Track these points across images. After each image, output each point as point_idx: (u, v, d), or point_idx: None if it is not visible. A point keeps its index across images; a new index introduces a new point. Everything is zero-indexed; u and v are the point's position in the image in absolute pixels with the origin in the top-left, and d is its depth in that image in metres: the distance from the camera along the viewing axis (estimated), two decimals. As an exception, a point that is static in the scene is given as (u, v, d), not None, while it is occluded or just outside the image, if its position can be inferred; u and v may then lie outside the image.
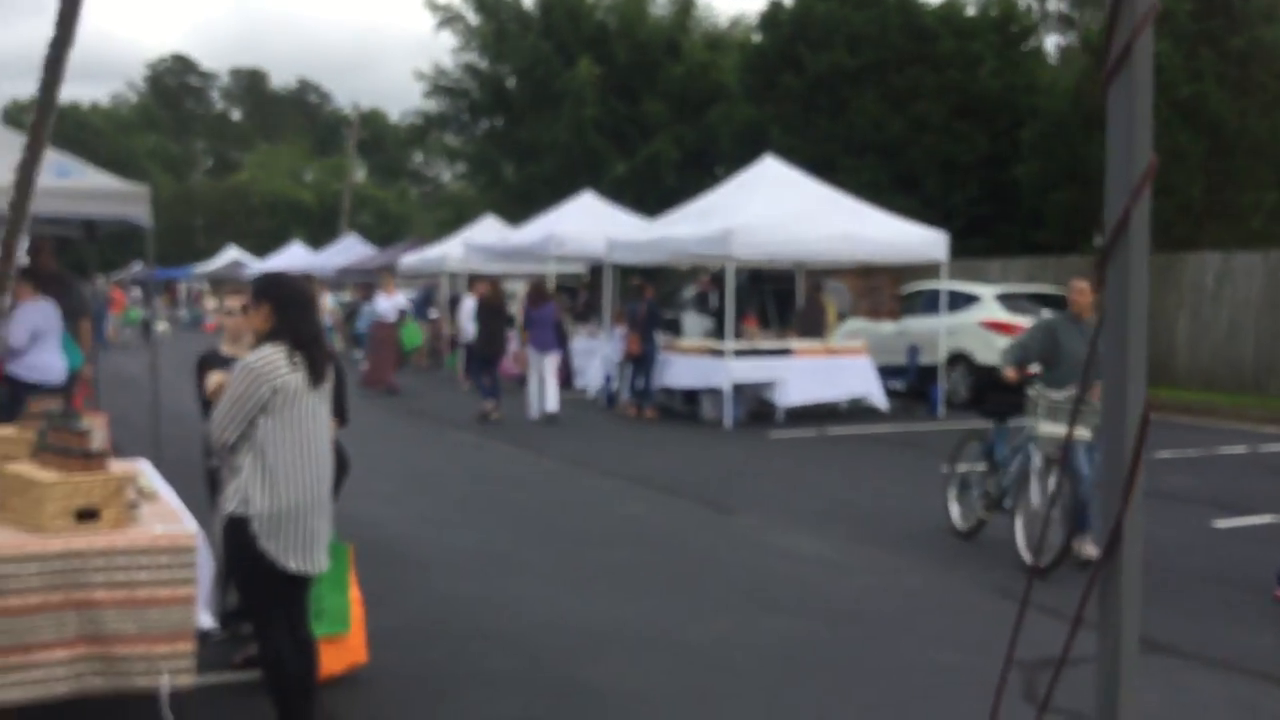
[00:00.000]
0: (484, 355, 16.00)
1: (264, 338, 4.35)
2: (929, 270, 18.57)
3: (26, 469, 4.42)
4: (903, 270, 19.66)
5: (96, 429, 8.04)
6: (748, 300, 18.18)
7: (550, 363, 15.47)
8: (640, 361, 15.81)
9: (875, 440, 13.86)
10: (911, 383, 17.21)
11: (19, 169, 0.90)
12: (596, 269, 22.15)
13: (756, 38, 30.95)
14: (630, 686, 5.35)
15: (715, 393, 15.09)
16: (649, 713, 5.04)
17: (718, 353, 15.05)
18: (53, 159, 8.96)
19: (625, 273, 20.11)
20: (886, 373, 16.83)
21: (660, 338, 15.98)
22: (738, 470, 11.58)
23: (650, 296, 16.03)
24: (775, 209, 15.41)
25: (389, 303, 20.35)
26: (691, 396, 15.93)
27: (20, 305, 9.01)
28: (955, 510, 8.51)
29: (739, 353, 14.97)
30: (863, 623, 6.44)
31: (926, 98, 25.76)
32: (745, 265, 16.48)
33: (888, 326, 18.54)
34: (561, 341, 16.21)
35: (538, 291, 15.93)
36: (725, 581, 7.27)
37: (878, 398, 15.86)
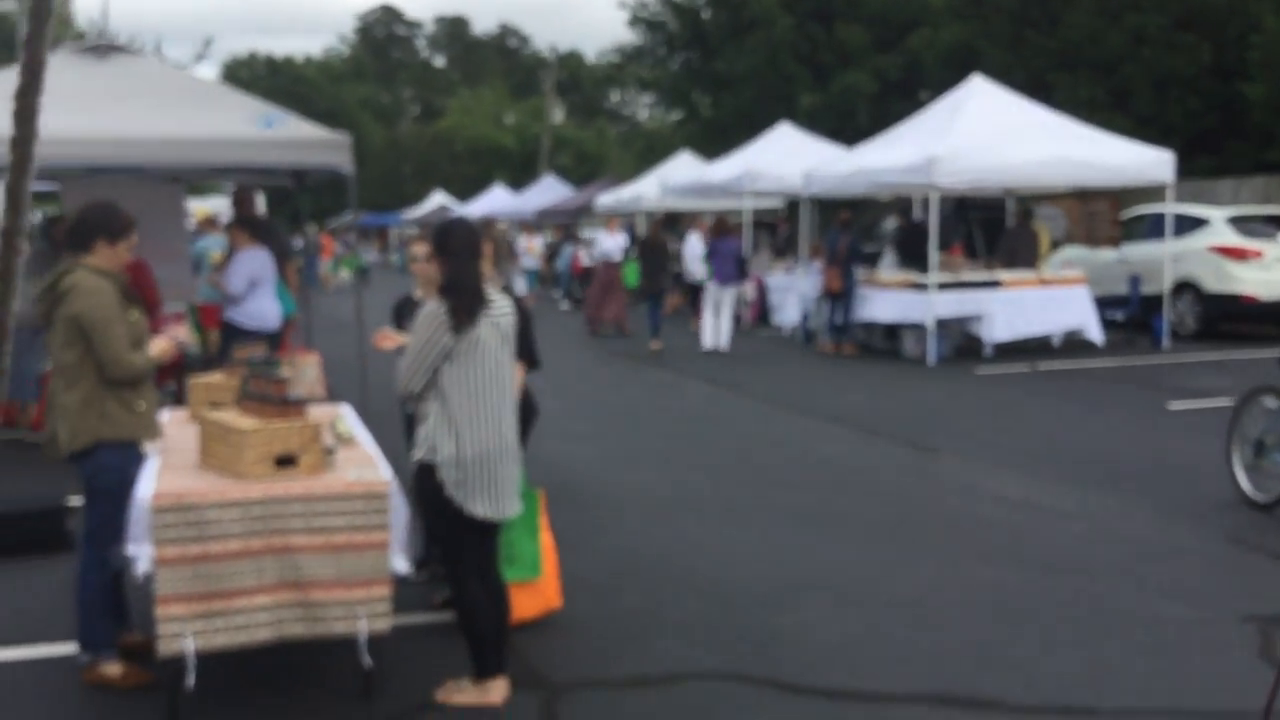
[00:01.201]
0: (648, 292, 16.61)
1: (441, 287, 4.32)
2: (1152, 193, 17.34)
3: (227, 416, 4.52)
4: (1123, 193, 18.40)
5: (308, 370, 8.29)
6: (953, 230, 17.40)
7: (729, 296, 15.89)
8: (839, 297, 15.38)
9: (1092, 376, 13.07)
10: (1133, 314, 16.15)
11: (16, 96, 0.82)
12: (794, 203, 21.68)
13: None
14: (830, 637, 5.15)
15: (918, 328, 14.54)
16: (851, 666, 4.83)
17: (920, 286, 14.47)
18: (257, 109, 9.25)
19: (824, 206, 19.58)
20: (1105, 303, 15.86)
21: (860, 272, 15.48)
22: (942, 409, 11.12)
23: (850, 229, 15.54)
24: (982, 132, 14.61)
25: (613, 241, 19.87)
26: (892, 332, 15.41)
27: (238, 253, 9.38)
28: (1246, 479, 7.26)
29: (943, 285, 14.35)
30: (1080, 572, 6.03)
31: (1144, 8, 23.94)
32: (951, 193, 15.74)
33: (1107, 254, 17.44)
34: (742, 274, 16.36)
35: (721, 224, 16.20)
36: (930, 527, 6.96)
37: (1094, 330, 14.97)
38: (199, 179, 15.63)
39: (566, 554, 5.70)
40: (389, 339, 5.40)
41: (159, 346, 4.67)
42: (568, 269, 26.26)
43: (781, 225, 23.65)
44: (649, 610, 5.55)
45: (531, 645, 5.03)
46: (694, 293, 19.24)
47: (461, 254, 4.33)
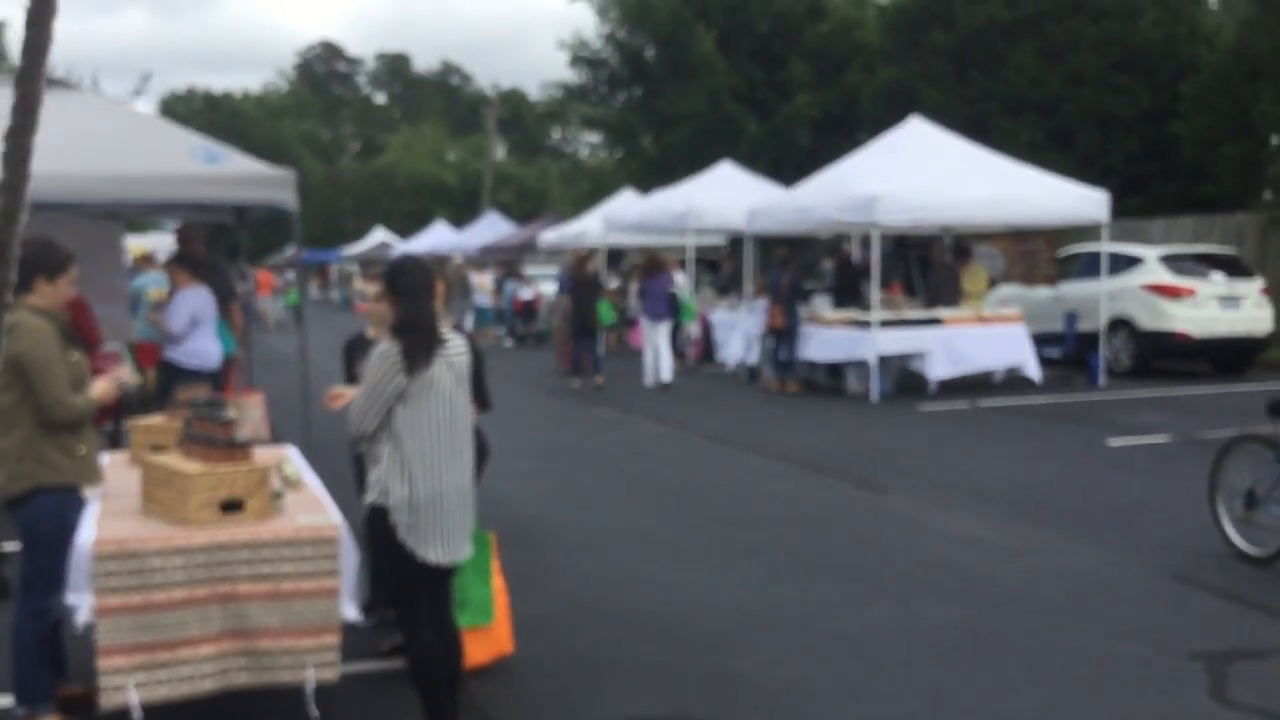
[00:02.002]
0: (577, 328, 16.51)
1: (394, 327, 4.26)
2: (1087, 232, 17.69)
3: (172, 460, 4.41)
4: (1059, 232, 18.76)
5: (252, 411, 8.14)
6: (893, 268, 17.62)
7: (663, 331, 16.36)
8: (783, 334, 15.48)
9: (1032, 413, 13.26)
10: (1070, 351, 16.42)
11: (8, 136, 0.79)
12: (736, 240, 21.82)
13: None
14: (784, 678, 5.12)
15: (861, 365, 14.66)
16: (806, 708, 4.80)
17: (863, 323, 14.61)
18: (199, 145, 9.11)
19: (765, 244, 19.75)
20: (1043, 341, 16.12)
21: (802, 310, 15.60)
22: (887, 446, 11.19)
23: (792, 267, 15.67)
24: (922, 172, 14.84)
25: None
26: (836, 369, 15.53)
27: (179, 291, 9.22)
28: (1236, 533, 6.96)
29: (885, 323, 14.50)
30: (1028, 609, 6.07)
31: (1084, 50, 24.55)
32: (891, 231, 15.93)
33: (1043, 292, 17.72)
34: (674, 312, 16.87)
35: (652, 263, 16.80)
36: (878, 565, 6.97)
37: (1033, 368, 15.20)
38: (138, 215, 15.39)
39: (517, 596, 5.62)
40: (339, 398, 5.19)
41: (101, 388, 4.55)
42: (509, 306, 26.21)
43: (724, 263, 23.79)
44: (602, 653, 5.49)
45: (484, 691, 4.94)
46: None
47: (415, 293, 4.27)
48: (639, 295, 17.03)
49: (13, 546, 6.21)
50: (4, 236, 0.78)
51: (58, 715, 4.47)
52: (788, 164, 28.52)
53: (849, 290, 16.68)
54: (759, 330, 16.16)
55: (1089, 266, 16.85)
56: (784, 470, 10.03)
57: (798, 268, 16.13)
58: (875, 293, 14.64)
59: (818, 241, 21.67)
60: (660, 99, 32.71)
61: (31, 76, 0.72)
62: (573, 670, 5.26)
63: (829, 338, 15.07)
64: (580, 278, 16.98)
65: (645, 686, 5.05)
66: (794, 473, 9.90)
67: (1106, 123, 24.47)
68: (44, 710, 4.45)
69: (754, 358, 16.62)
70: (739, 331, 17.57)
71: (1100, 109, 24.36)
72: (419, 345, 4.19)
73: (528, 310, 26.12)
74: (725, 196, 19.44)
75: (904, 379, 15.09)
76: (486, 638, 5.09)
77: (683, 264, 20.00)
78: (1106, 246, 16.18)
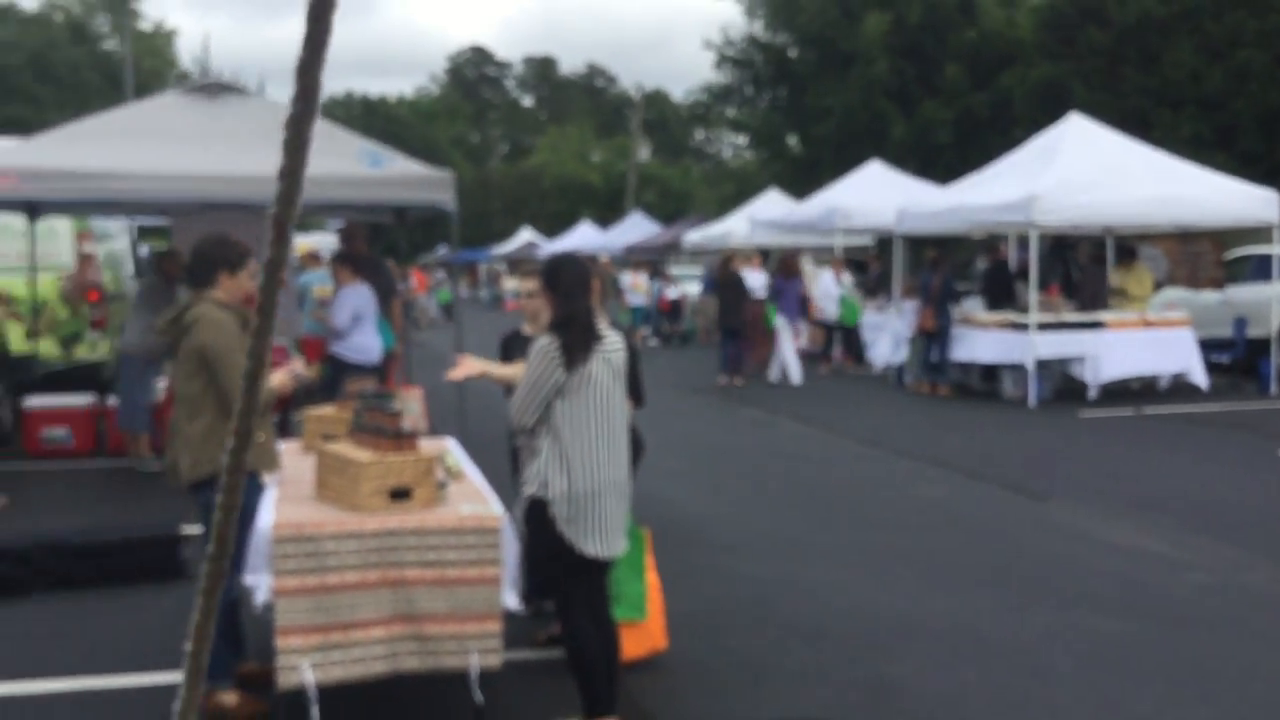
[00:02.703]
0: (724, 328, 16.88)
1: (552, 322, 4.33)
2: (1255, 234, 16.85)
3: (344, 448, 4.57)
4: (1226, 234, 17.95)
5: (412, 405, 8.39)
6: (1051, 270, 17.09)
7: (791, 332, 16.88)
8: (933, 336, 15.17)
9: (1199, 420, 12.69)
10: (1239, 357, 15.68)
11: (288, 124, 0.82)
12: (884, 241, 21.50)
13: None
14: (941, 686, 5.02)
15: (1017, 369, 14.27)
16: (965, 716, 4.70)
17: (1019, 326, 14.21)
18: (364, 148, 9.43)
19: (914, 244, 19.39)
20: (1209, 346, 15.43)
21: (954, 311, 15.27)
22: (1046, 452, 10.86)
23: (944, 268, 15.35)
24: (1081, 170, 14.35)
25: (753, 278, 18.79)
26: (990, 372, 15.14)
27: (341, 288, 9.54)
28: None
29: (1043, 325, 14.08)
30: (1198, 624, 5.81)
31: (1248, 45, 23.43)
32: (1049, 232, 15.46)
33: (1210, 296, 16.99)
34: (804, 312, 17.50)
35: (785, 265, 17.30)
36: (1039, 574, 6.77)
37: (1199, 374, 14.55)
38: (304, 215, 15.97)
39: (669, 593, 5.64)
40: (465, 368, 5.12)
41: (278, 379, 4.74)
42: (655, 305, 26.29)
43: (872, 263, 23.46)
44: (755, 653, 5.46)
45: (639, 685, 4.98)
46: (828, 332, 18.80)
47: (572, 289, 4.33)
48: (771, 297, 17.33)
49: (193, 529, 6.52)
50: (283, 218, 0.82)
51: (236, 691, 4.67)
52: (936, 164, 27.97)
53: (1003, 292, 16.24)
54: (909, 332, 15.88)
55: (1259, 270, 16.07)
56: (937, 475, 9.83)
57: (949, 268, 15.79)
58: (1033, 294, 14.22)
59: (970, 242, 21.18)
60: (807, 96, 32.42)
61: (312, 66, 0.75)
62: (726, 669, 5.25)
63: (983, 340, 14.71)
64: (725, 278, 17.23)
65: (799, 689, 5.01)
66: (948, 477, 9.70)
67: (1272, 119, 23.29)
68: (224, 686, 4.65)
69: (902, 359, 16.34)
70: (887, 333, 17.29)
71: (1267, 105, 23.20)
72: (577, 340, 4.24)
73: (673, 310, 26.17)
74: (874, 196, 19.17)
75: (1063, 384, 14.63)
76: (641, 633, 5.12)
77: (846, 263, 19.73)
78: (1279, 249, 15.41)
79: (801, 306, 17.26)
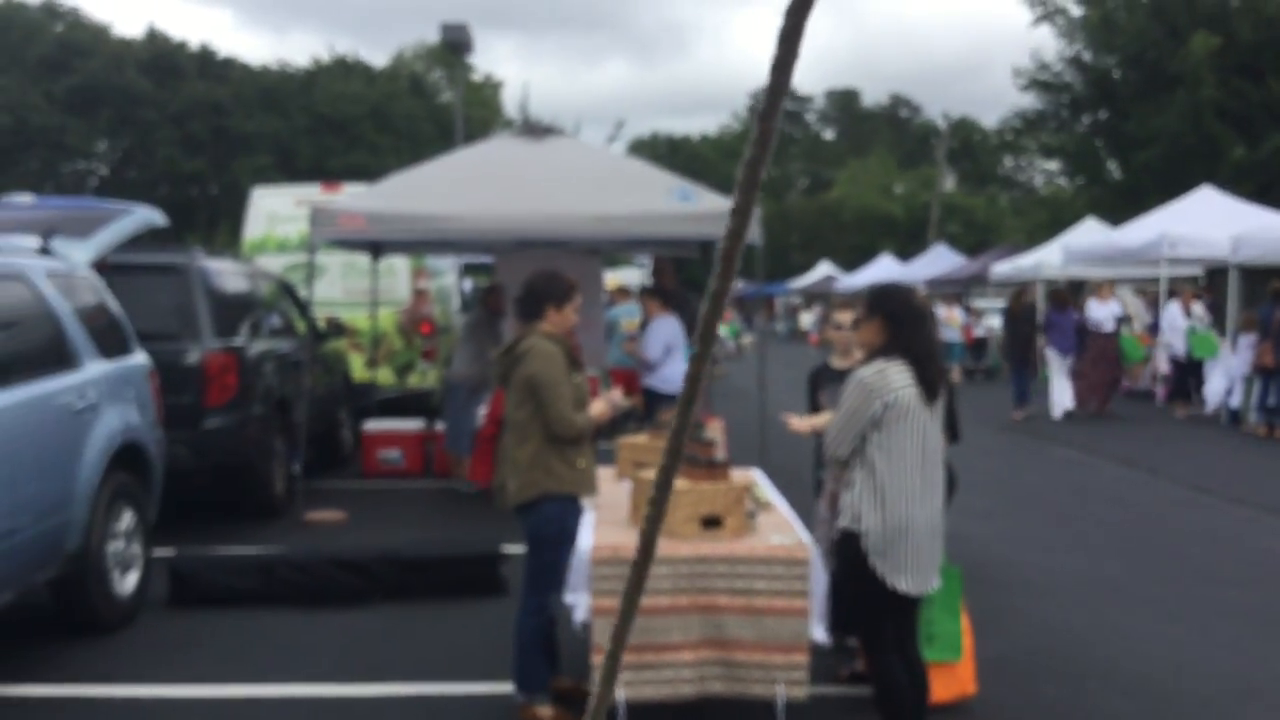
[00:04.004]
0: (1012, 360, 17.08)
1: (876, 352, 4.29)
2: None
3: (658, 476, 4.73)
4: None
5: (713, 434, 8.58)
6: None
7: (1068, 364, 16.66)
8: (1274, 374, 13.94)
9: None
10: None
11: (746, 165, 0.90)
12: (1213, 272, 19.99)
13: None
14: (1286, 755, 4.61)
15: (1373, 411, 12.90)
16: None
17: (1376, 364, 12.85)
18: (672, 184, 9.73)
19: (1249, 275, 17.91)
20: None
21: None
22: None
23: (1287, 300, 14.10)
24: None
25: (1105, 310, 17.25)
26: (1340, 415, 13.76)
27: (653, 321, 9.87)
28: None
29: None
30: None
31: None
32: None
33: None
34: (1082, 344, 17.05)
35: (1057, 297, 17.15)
36: (1403, 640, 6.09)
37: None
38: (615, 250, 16.65)
39: (979, 636, 5.47)
40: (798, 425, 5.26)
41: (599, 408, 4.97)
42: (960, 339, 25.47)
43: (1203, 295, 21.84)
44: (1071, 703, 5.21)
45: (947, 729, 4.85)
46: (1177, 370, 17.53)
47: (910, 318, 4.26)
48: (1045, 329, 17.02)
49: (512, 549, 6.91)
50: (730, 253, 0.91)
51: (551, 705, 4.91)
52: (1277, 190, 25.74)
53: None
54: (1244, 370, 14.68)
55: None
56: (1276, 525, 9.02)
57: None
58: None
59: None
60: (1130, 119, 30.66)
61: (770, 115, 0.83)
62: (1039, 718, 5.03)
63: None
64: (1016, 311, 17.28)
65: (1122, 744, 4.73)
66: (1290, 528, 8.89)
67: None
68: (540, 700, 4.90)
69: (1237, 400, 15.11)
70: (1220, 370, 16.04)
71: None
72: (927, 371, 4.17)
73: (977, 345, 25.26)
74: (1205, 223, 17.85)
75: None
76: (951, 675, 5.00)
77: (1198, 295, 18.54)
78: None
79: (1079, 338, 16.85)
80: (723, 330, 37.33)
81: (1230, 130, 28.70)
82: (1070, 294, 17.47)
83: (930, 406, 4.23)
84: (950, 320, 24.76)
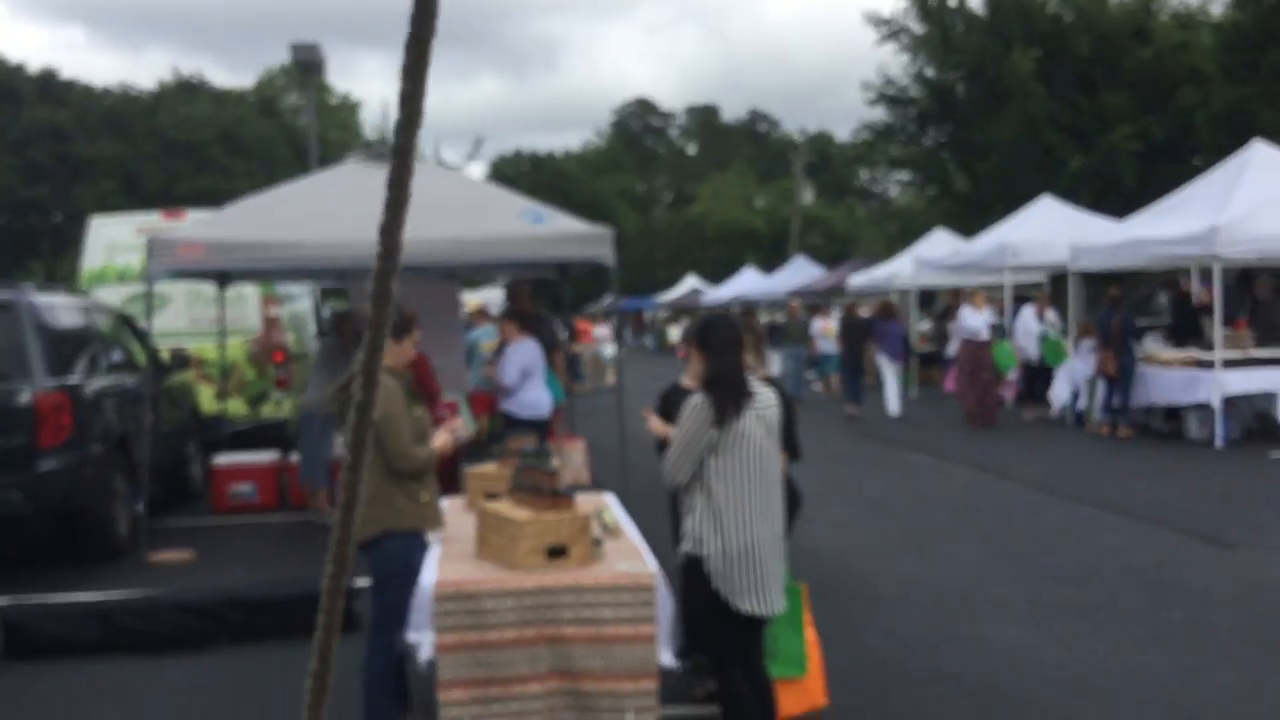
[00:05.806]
0: (845, 365, 18.88)
1: (703, 381, 4.38)
2: None
3: (503, 507, 4.68)
4: None
5: (574, 457, 8.53)
6: (1238, 304, 16.23)
7: (896, 369, 18.53)
8: (1115, 378, 14.57)
9: None
10: None
11: (389, 185, 0.87)
12: (1056, 278, 20.83)
13: (1233, 13, 27.85)
14: (1119, 750, 4.79)
15: (1203, 408, 13.57)
16: (1143, 783, 4.47)
17: (1205, 363, 13.53)
18: (527, 207, 9.71)
19: (1089, 281, 18.71)
20: None
21: (1137, 349, 14.64)
22: (1235, 498, 10.28)
23: (1124, 306, 14.76)
24: (1268, 200, 13.63)
25: (979, 318, 16.74)
26: (1174, 413, 14.44)
27: (509, 345, 9.80)
28: None
29: (1230, 362, 13.37)
30: None
31: None
32: (1235, 264, 14.72)
33: None
34: (907, 351, 19.51)
35: (883, 308, 19.20)
36: (1228, 629, 6.40)
37: None
38: (473, 274, 16.50)
39: (830, 649, 5.56)
40: (656, 426, 5.37)
41: (440, 440, 4.90)
42: (835, 350, 25.74)
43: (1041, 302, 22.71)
44: (918, 711, 5.32)
45: (799, 744, 4.91)
46: (1026, 373, 17.66)
47: (723, 348, 4.39)
48: (875, 337, 18.68)
49: (364, 582, 6.76)
50: (384, 277, 0.89)
51: (403, 743, 4.81)
52: (1112, 196, 26.95)
53: (1188, 328, 15.51)
54: (1088, 373, 15.30)
55: None
56: (1118, 523, 9.41)
57: (1129, 307, 15.18)
58: (1219, 330, 13.54)
59: (1150, 276, 20.32)
60: (972, 130, 31.79)
61: (405, 149, 0.83)
62: (890, 728, 5.13)
63: (1166, 379, 14.06)
64: (848, 322, 18.89)
65: (967, 749, 4.85)
66: (1130, 526, 9.28)
67: None
68: (391, 738, 4.79)
69: (1083, 402, 15.74)
70: (1064, 373, 16.70)
71: None
72: (728, 398, 4.28)
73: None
74: (1045, 232, 18.61)
75: (1252, 424, 13.85)
76: (799, 690, 5.05)
77: (1051, 300, 19.54)
78: None
79: (904, 346, 18.93)
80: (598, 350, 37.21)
81: (1068, 140, 29.96)
82: (903, 306, 19.24)
83: (764, 428, 4.30)
84: (827, 332, 24.72)
